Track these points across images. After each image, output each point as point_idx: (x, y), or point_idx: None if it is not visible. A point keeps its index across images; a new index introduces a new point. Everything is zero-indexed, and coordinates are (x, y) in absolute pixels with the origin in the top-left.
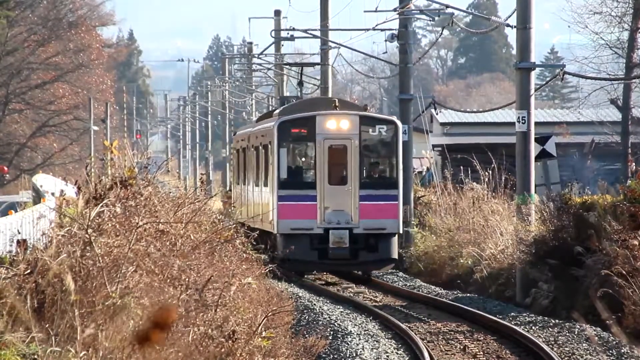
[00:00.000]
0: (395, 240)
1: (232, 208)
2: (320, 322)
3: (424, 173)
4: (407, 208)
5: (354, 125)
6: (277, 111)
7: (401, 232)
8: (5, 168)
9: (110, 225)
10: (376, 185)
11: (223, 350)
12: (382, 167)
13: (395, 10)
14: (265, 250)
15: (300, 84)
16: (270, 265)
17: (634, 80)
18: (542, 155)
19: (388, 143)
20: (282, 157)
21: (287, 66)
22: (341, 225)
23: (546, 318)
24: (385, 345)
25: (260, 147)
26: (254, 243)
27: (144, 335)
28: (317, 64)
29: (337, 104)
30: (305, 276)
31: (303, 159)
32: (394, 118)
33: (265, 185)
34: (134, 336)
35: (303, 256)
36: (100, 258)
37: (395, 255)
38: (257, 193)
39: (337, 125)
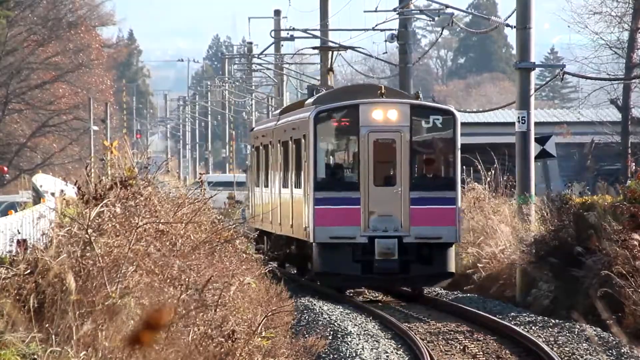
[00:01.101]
0: (452, 251)
1: (246, 212)
2: (320, 322)
3: None
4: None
5: (404, 116)
6: (310, 100)
7: (459, 241)
8: (5, 168)
9: (110, 225)
10: (430, 186)
11: (223, 350)
12: (436, 165)
13: (395, 10)
14: (297, 261)
15: (331, 69)
16: (269, 265)
17: (633, 80)
18: (542, 155)
19: (444, 136)
20: (319, 154)
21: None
22: (389, 233)
23: (546, 318)
24: (385, 345)
25: (290, 142)
26: (270, 254)
27: (135, 337)
28: (348, 47)
29: (383, 91)
30: (348, 292)
31: (344, 156)
32: (451, 107)
33: (298, 186)
34: (126, 337)
35: (344, 269)
36: (100, 258)
37: (452, 269)
38: (286, 196)
39: (384, 115)
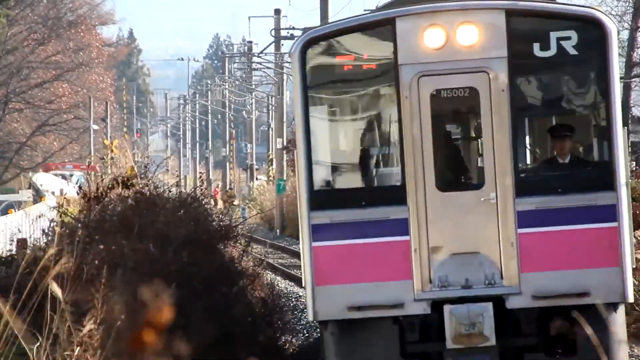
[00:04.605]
0: (619, 319)
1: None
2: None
3: None
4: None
5: (495, 36)
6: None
7: (631, 299)
8: None
9: (110, 225)
10: (560, 184)
11: None
12: (572, 139)
13: None
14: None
15: None
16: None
17: (633, 79)
18: None
19: (586, 76)
20: (316, 129)
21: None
22: (474, 291)
23: None
24: None
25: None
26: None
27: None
28: None
29: None
30: None
31: (369, 133)
32: (598, 12)
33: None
34: (128, 338)
35: None
36: (100, 258)
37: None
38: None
39: (449, 38)
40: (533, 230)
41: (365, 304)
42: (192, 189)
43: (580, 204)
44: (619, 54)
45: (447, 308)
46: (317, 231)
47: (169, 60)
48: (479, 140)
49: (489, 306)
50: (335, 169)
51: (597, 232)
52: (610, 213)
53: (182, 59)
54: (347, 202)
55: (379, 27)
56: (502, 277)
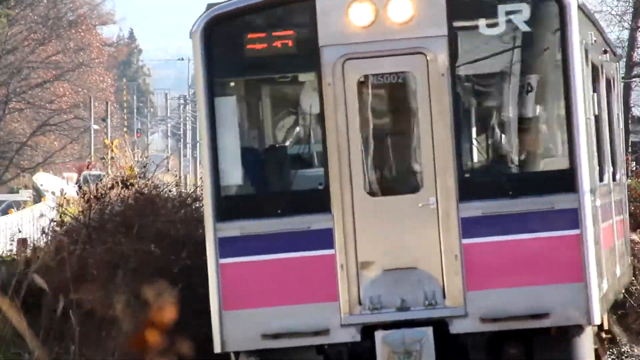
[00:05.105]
0: (584, 346)
1: None
2: None
3: None
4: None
5: (434, 9)
6: None
7: (597, 321)
8: None
9: (110, 224)
10: (514, 184)
11: None
12: (526, 127)
13: None
14: None
15: None
16: None
17: (634, 79)
18: None
19: (540, 53)
20: (222, 124)
21: None
22: (412, 313)
23: None
24: None
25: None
26: None
27: (140, 337)
28: None
29: None
30: None
31: (287, 128)
32: None
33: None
34: (130, 337)
35: None
36: (100, 258)
37: None
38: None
39: (376, 13)
40: (480, 240)
41: (283, 331)
42: (193, 188)
43: (536, 209)
44: (619, 53)
45: (379, 334)
46: (225, 245)
47: (169, 60)
48: (416, 134)
49: (429, 331)
50: (246, 171)
51: (556, 241)
52: (570, 219)
53: (182, 59)
54: (260, 211)
55: (296, 1)
56: (444, 297)
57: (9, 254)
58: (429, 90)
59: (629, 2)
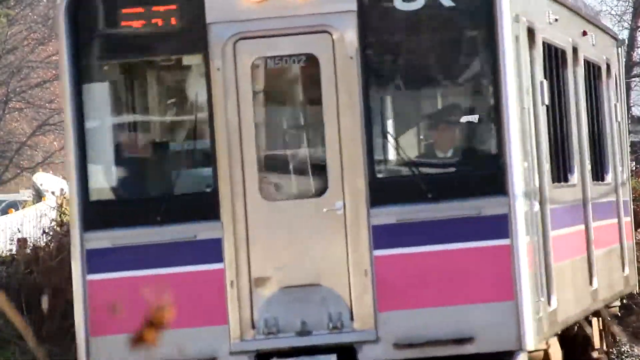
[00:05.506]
0: None
1: None
2: None
3: None
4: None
5: None
6: None
7: (530, 346)
8: None
9: None
10: (435, 185)
11: None
12: (450, 119)
13: None
14: None
15: None
16: None
17: (633, 79)
18: None
19: (466, 31)
20: (92, 115)
21: None
22: (313, 337)
23: None
24: None
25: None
26: None
27: (138, 336)
28: None
29: None
30: None
31: (170, 120)
32: None
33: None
34: (129, 337)
35: None
36: None
37: None
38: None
39: None
40: (395, 252)
41: (163, 359)
42: None
43: (460, 215)
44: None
45: None
46: (94, 259)
47: None
48: (321, 128)
49: (333, 359)
50: (120, 171)
51: (482, 253)
52: (499, 226)
53: None
54: (136, 218)
55: None
56: (352, 319)
57: (8, 253)
58: (335, 76)
59: (629, 2)
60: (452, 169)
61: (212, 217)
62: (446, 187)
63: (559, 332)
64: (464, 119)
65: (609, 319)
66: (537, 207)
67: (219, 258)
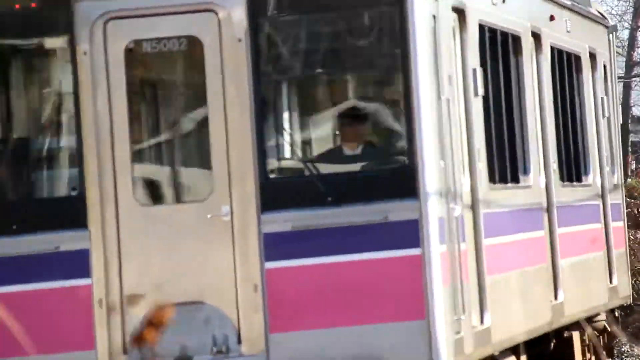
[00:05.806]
0: None
1: None
2: None
3: None
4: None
5: None
6: None
7: None
8: None
9: None
10: (337, 187)
11: None
12: (355, 112)
13: None
14: None
15: None
16: None
17: (634, 79)
18: None
19: (371, 8)
20: None
21: None
22: None
23: None
24: None
25: None
26: None
27: (139, 336)
28: None
29: None
30: None
31: (30, 110)
32: None
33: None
34: (129, 337)
35: None
36: None
37: None
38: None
39: None
40: (290, 264)
41: None
42: None
43: (364, 221)
44: (619, 54)
45: None
46: None
47: None
48: (206, 122)
49: None
50: None
51: (389, 264)
52: (409, 234)
53: None
54: None
55: None
56: (239, 342)
57: None
58: (221, 62)
59: (629, 1)
60: (356, 169)
61: (78, 225)
62: (349, 189)
63: (496, 354)
64: (371, 110)
65: (593, 331)
66: (458, 211)
67: (86, 273)
